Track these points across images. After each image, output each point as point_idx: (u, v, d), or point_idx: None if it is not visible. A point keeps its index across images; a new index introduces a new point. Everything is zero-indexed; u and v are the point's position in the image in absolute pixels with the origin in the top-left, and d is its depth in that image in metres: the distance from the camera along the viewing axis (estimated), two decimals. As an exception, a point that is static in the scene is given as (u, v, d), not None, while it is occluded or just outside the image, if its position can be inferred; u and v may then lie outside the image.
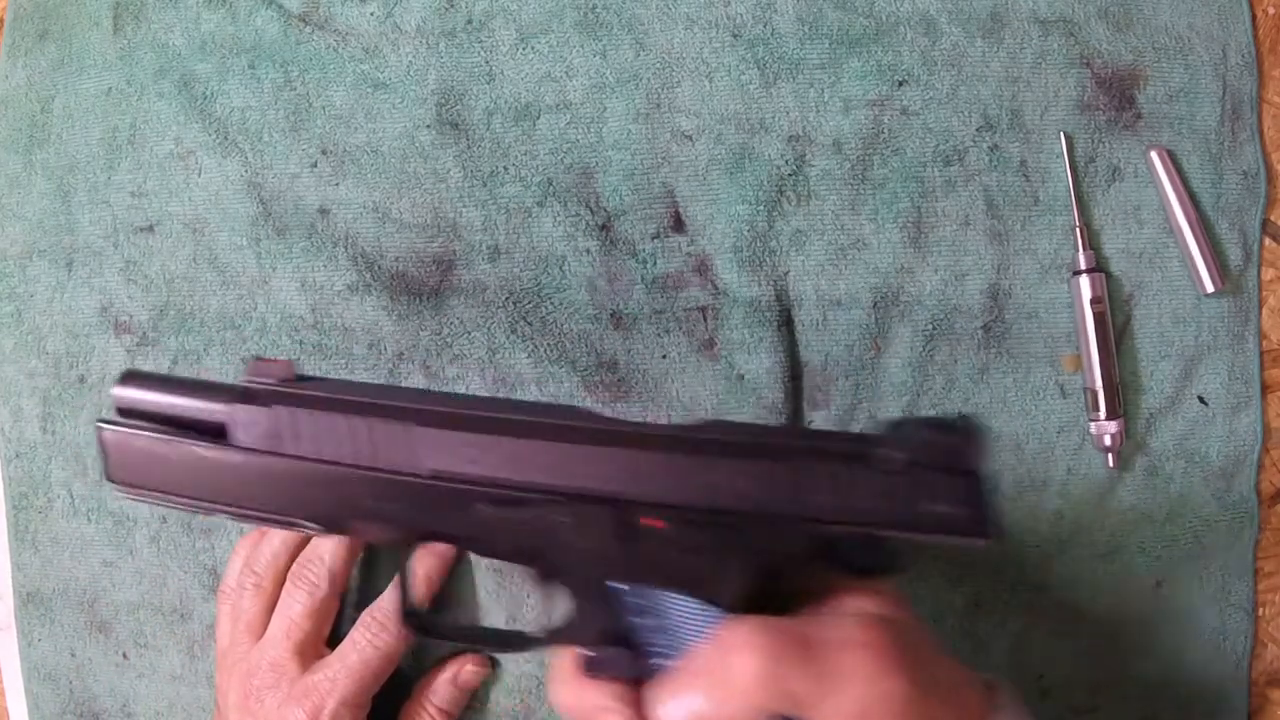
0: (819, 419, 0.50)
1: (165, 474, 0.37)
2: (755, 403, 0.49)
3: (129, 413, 0.38)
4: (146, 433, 0.37)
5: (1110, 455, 0.50)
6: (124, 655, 0.53)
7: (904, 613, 0.34)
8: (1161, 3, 0.50)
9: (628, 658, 0.34)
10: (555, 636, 0.36)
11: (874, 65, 0.49)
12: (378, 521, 0.36)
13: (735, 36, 0.50)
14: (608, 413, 0.37)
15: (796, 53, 0.49)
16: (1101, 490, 0.51)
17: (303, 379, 0.38)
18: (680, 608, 0.34)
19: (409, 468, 0.35)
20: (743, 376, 0.49)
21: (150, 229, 0.51)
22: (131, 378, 0.39)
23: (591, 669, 0.34)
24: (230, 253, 0.51)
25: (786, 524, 0.33)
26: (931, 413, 0.50)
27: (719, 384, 0.49)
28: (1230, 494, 0.51)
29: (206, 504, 0.37)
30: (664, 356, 0.50)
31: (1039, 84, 0.50)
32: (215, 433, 0.37)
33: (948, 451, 0.33)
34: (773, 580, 0.34)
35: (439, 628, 0.41)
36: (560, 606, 0.36)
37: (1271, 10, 0.51)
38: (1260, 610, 0.52)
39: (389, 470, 0.35)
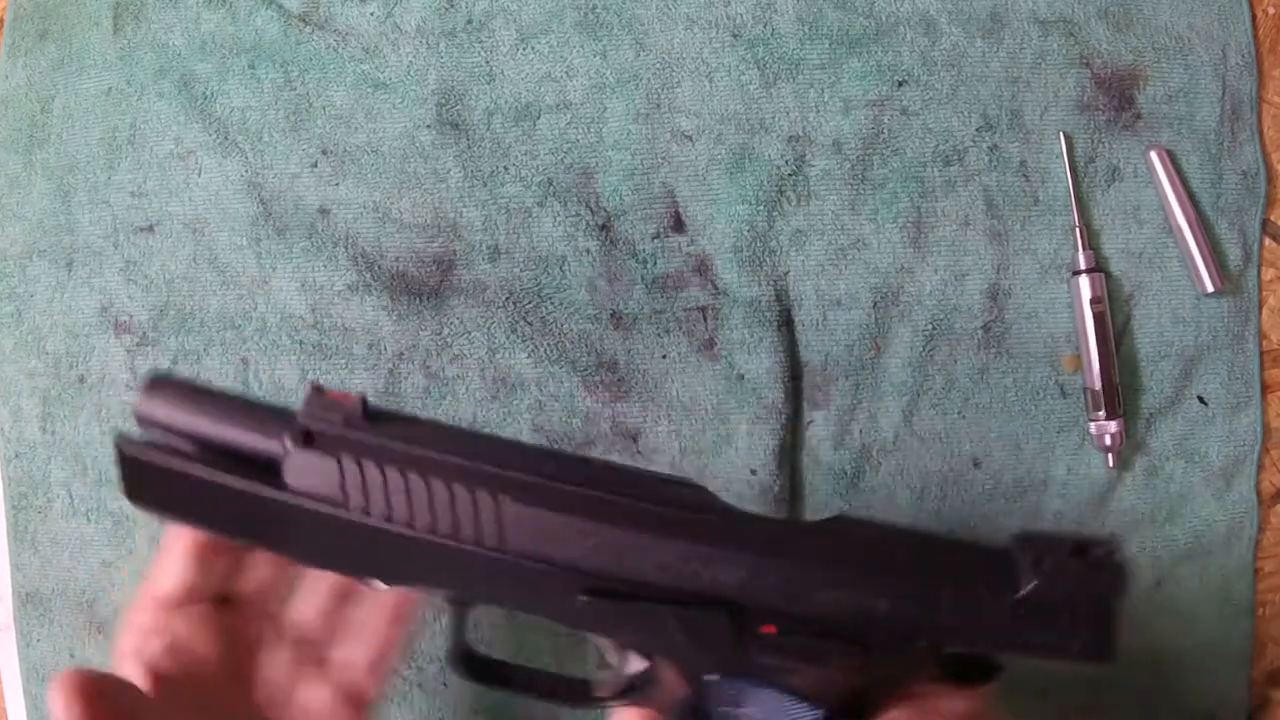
0: (819, 419, 0.50)
1: (199, 503, 0.32)
2: (755, 403, 0.49)
3: (153, 424, 0.33)
4: (178, 458, 0.32)
5: (1110, 455, 0.50)
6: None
7: (993, 714, 0.32)
8: (1161, 3, 0.50)
9: None
10: (628, 696, 0.33)
11: (874, 65, 0.49)
12: (449, 589, 0.32)
13: (735, 36, 0.50)
14: (721, 494, 0.33)
15: (796, 53, 0.49)
16: (1101, 490, 0.50)
17: (372, 416, 0.32)
18: (775, 702, 0.32)
19: (495, 544, 0.31)
20: (743, 376, 0.49)
21: (150, 229, 0.51)
22: (160, 387, 0.33)
23: None
24: (230, 253, 0.51)
25: (907, 641, 0.31)
26: (933, 409, 0.50)
27: (719, 384, 0.49)
28: (1230, 494, 0.51)
29: (245, 539, 0.33)
30: (664, 356, 0.50)
31: (1039, 84, 0.50)
32: (261, 465, 0.32)
33: (1088, 583, 0.31)
34: (877, 687, 0.31)
35: (493, 672, 0.35)
36: (635, 663, 0.33)
37: (1271, 10, 0.51)
38: (1260, 610, 0.52)
39: (471, 544, 0.31)
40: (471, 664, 0.34)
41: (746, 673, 0.31)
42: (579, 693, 0.34)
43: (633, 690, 0.33)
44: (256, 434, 0.32)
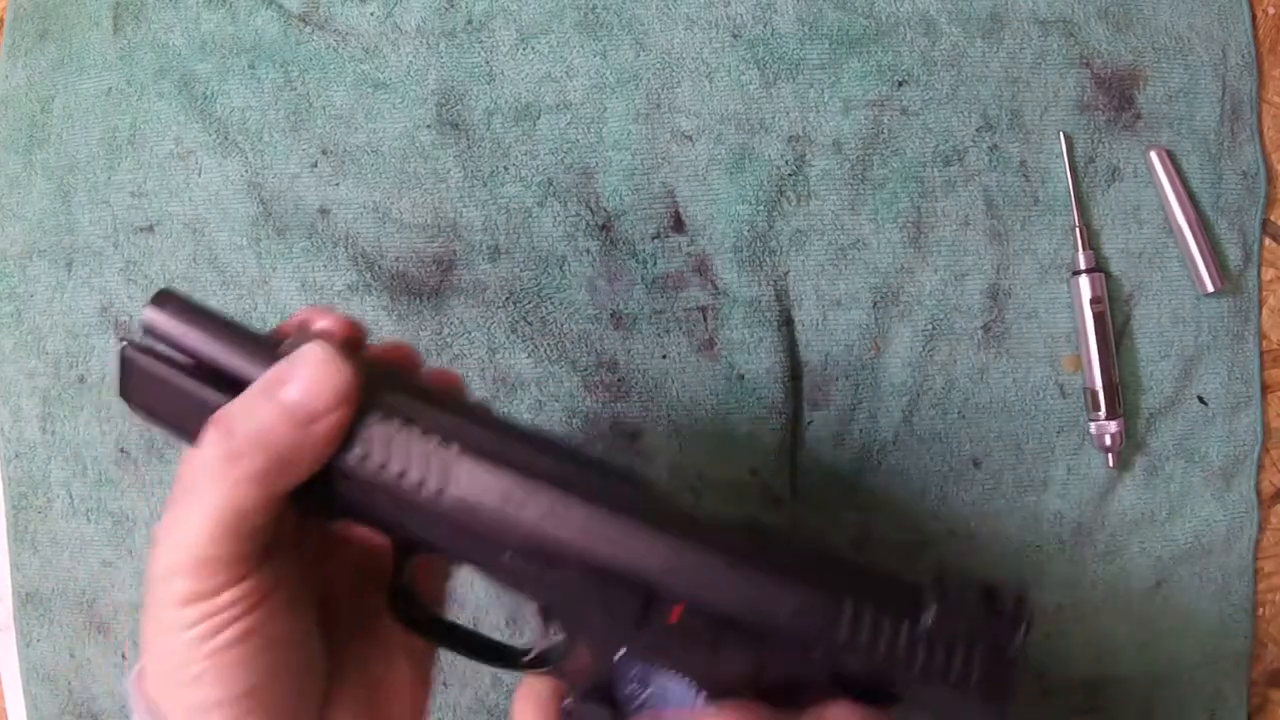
0: (819, 419, 0.50)
1: (184, 416, 0.33)
2: (755, 403, 0.49)
3: (158, 337, 0.34)
4: (182, 372, 0.33)
5: (1110, 455, 0.50)
6: (123, 656, 0.53)
7: None
8: (1161, 3, 0.50)
9: (607, 716, 0.34)
10: (543, 666, 0.35)
11: (874, 65, 0.49)
12: (389, 528, 0.34)
13: (735, 36, 0.50)
14: (757, 464, 0.34)
15: (796, 53, 0.49)
16: (1101, 490, 0.51)
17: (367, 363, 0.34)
18: (673, 684, 0.34)
19: (435, 489, 0.32)
20: (743, 376, 0.49)
21: (150, 229, 0.51)
22: (167, 299, 0.34)
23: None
24: (230, 253, 0.51)
25: (808, 651, 0.32)
26: (933, 409, 0.50)
27: (719, 384, 0.49)
28: (1230, 494, 0.51)
29: None
30: (664, 356, 0.50)
31: (1039, 84, 0.50)
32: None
33: (987, 625, 0.32)
34: (774, 689, 0.33)
35: (427, 623, 0.36)
36: (554, 637, 0.35)
37: (1271, 10, 0.51)
38: (1260, 610, 0.52)
39: (413, 487, 0.32)
40: (408, 609, 0.36)
41: (651, 654, 0.33)
42: (500, 655, 0.36)
43: (545, 661, 0.35)
44: (245, 359, 0.34)
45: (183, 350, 0.34)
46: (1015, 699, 0.32)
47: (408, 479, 0.32)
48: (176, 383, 0.34)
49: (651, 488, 0.34)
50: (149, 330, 0.34)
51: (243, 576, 0.30)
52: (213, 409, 0.32)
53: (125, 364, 0.34)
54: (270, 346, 0.34)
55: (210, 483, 0.30)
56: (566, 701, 0.34)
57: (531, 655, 0.35)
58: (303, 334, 0.34)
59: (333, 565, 0.38)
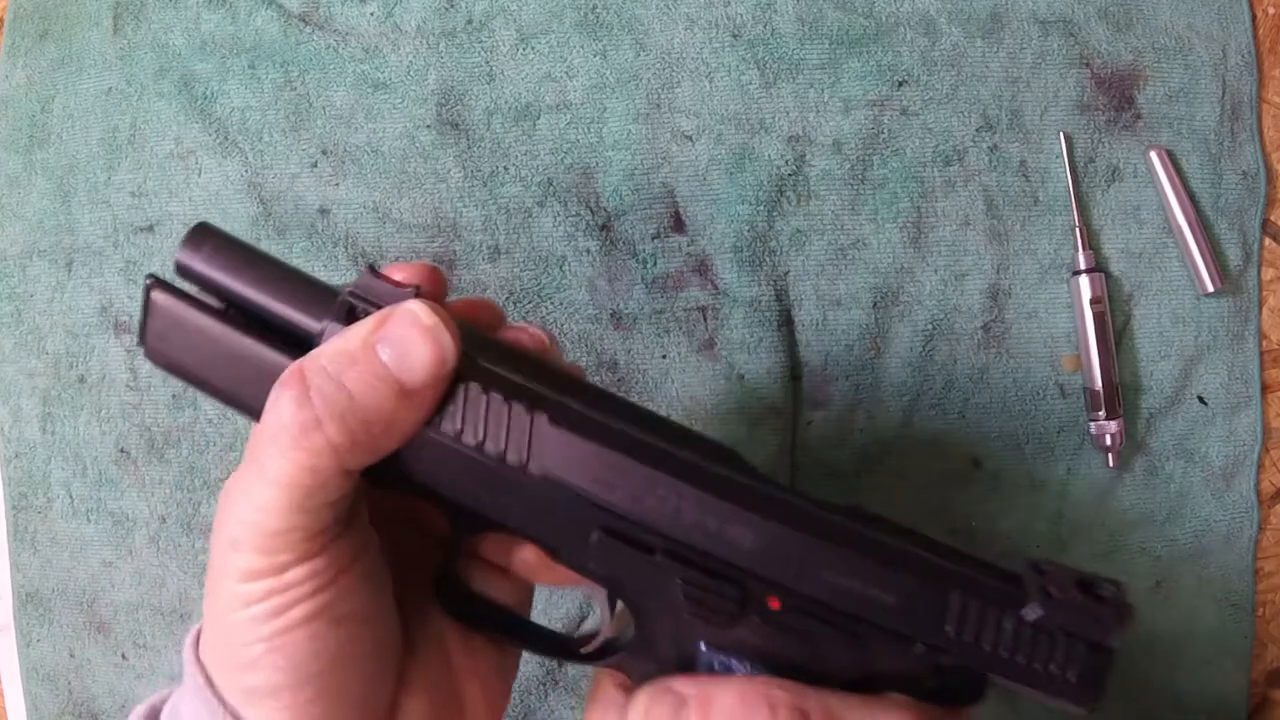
0: (819, 419, 0.50)
1: (219, 367, 0.30)
2: (755, 403, 0.49)
3: (191, 276, 0.31)
4: (212, 317, 0.30)
5: (1110, 455, 0.50)
6: (123, 656, 0.53)
7: None
8: (1161, 3, 0.50)
9: None
10: (609, 659, 0.32)
11: (874, 65, 0.49)
12: (460, 500, 0.30)
13: (735, 36, 0.50)
14: (757, 463, 0.32)
15: (796, 53, 0.49)
16: (1101, 490, 0.51)
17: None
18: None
19: (518, 461, 0.29)
20: (743, 376, 0.49)
21: (150, 229, 0.51)
22: (205, 236, 0.30)
23: None
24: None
25: (906, 642, 0.30)
26: (933, 409, 0.50)
27: (719, 384, 0.49)
28: (1230, 494, 0.51)
29: (257, 416, 0.30)
30: (664, 356, 0.50)
31: (1039, 84, 0.50)
32: (293, 340, 0.30)
33: (1093, 622, 0.30)
34: (866, 685, 0.31)
35: (479, 611, 0.33)
36: (621, 626, 0.33)
37: (1271, 10, 0.51)
38: (1260, 610, 0.52)
39: (496, 457, 0.29)
40: (458, 597, 0.33)
41: (737, 647, 0.31)
42: (557, 646, 0.33)
43: (608, 652, 0.32)
44: (296, 305, 0.30)
45: (222, 295, 0.30)
46: (1108, 694, 0.31)
47: (488, 449, 0.29)
48: (213, 332, 0.30)
49: (751, 467, 0.32)
50: (183, 272, 0.31)
51: (313, 554, 0.27)
52: (263, 364, 0.29)
53: (150, 308, 0.30)
54: (330, 295, 0.30)
55: (281, 452, 0.26)
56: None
57: (593, 646, 0.33)
58: (372, 281, 0.30)
59: (414, 535, 0.34)
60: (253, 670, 0.27)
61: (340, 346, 0.28)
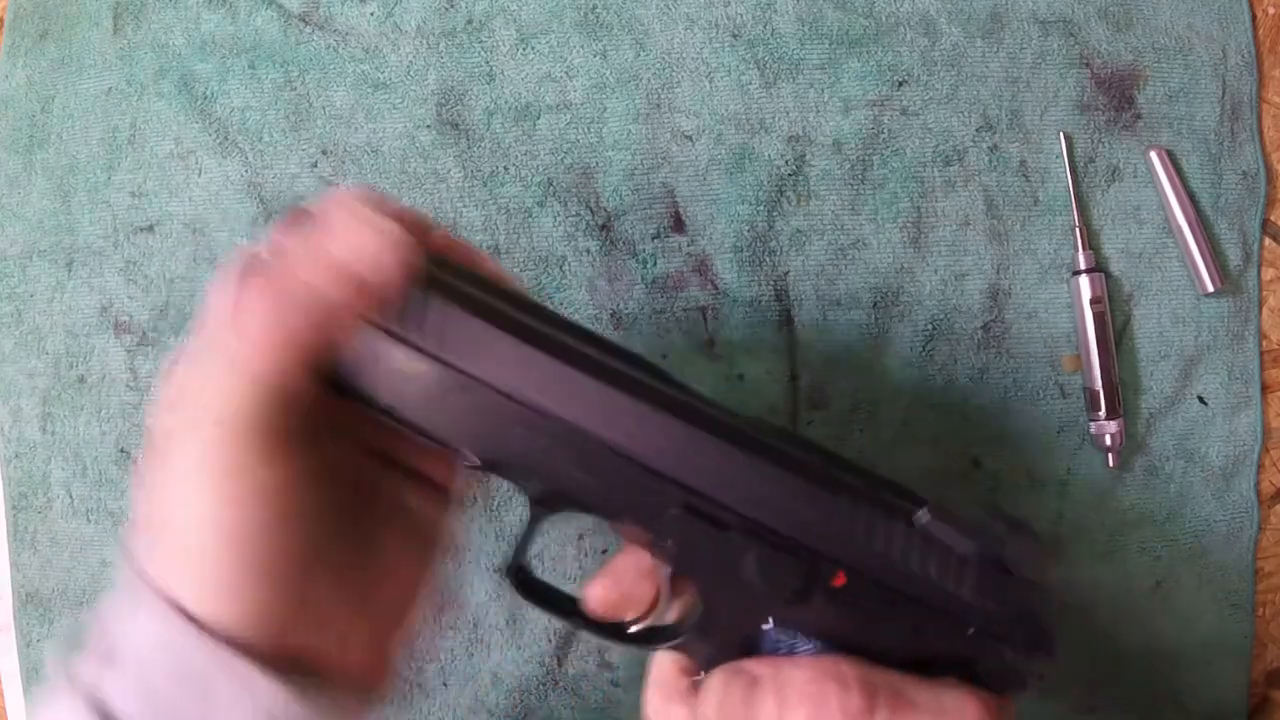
0: (819, 419, 0.50)
1: None
2: (755, 403, 0.49)
3: None
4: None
5: (1110, 455, 0.50)
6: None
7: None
8: (1161, 3, 0.50)
9: None
10: (669, 641, 0.33)
11: (874, 65, 0.49)
12: (542, 479, 0.31)
13: (735, 36, 0.50)
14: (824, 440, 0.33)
15: (796, 53, 0.49)
16: (1101, 490, 0.51)
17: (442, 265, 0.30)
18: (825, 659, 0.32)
19: (617, 439, 0.30)
20: (742, 376, 0.49)
21: (150, 229, 0.51)
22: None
23: None
24: (230, 253, 0.51)
25: (962, 629, 0.31)
26: (933, 409, 0.50)
27: (719, 384, 0.49)
28: (1230, 494, 0.51)
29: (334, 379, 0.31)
30: (664, 356, 0.50)
31: (1039, 84, 0.50)
32: None
33: (980, 532, 0.31)
34: (920, 664, 0.32)
35: (541, 592, 0.34)
36: (681, 608, 0.33)
37: (1271, 10, 0.51)
38: (1260, 610, 0.52)
39: (577, 425, 0.30)
40: (526, 580, 0.34)
41: (805, 623, 0.31)
42: (613, 631, 0.34)
43: (678, 639, 0.33)
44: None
45: None
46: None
47: (587, 419, 0.30)
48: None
49: (814, 445, 0.33)
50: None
51: (270, 450, 0.27)
52: None
53: None
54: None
55: (252, 344, 0.27)
56: (696, 679, 0.32)
57: (640, 627, 0.34)
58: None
59: (358, 454, 0.35)
60: (191, 553, 0.28)
61: (303, 248, 0.28)
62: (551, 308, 0.34)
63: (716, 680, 0.31)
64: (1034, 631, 0.32)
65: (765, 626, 0.31)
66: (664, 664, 0.33)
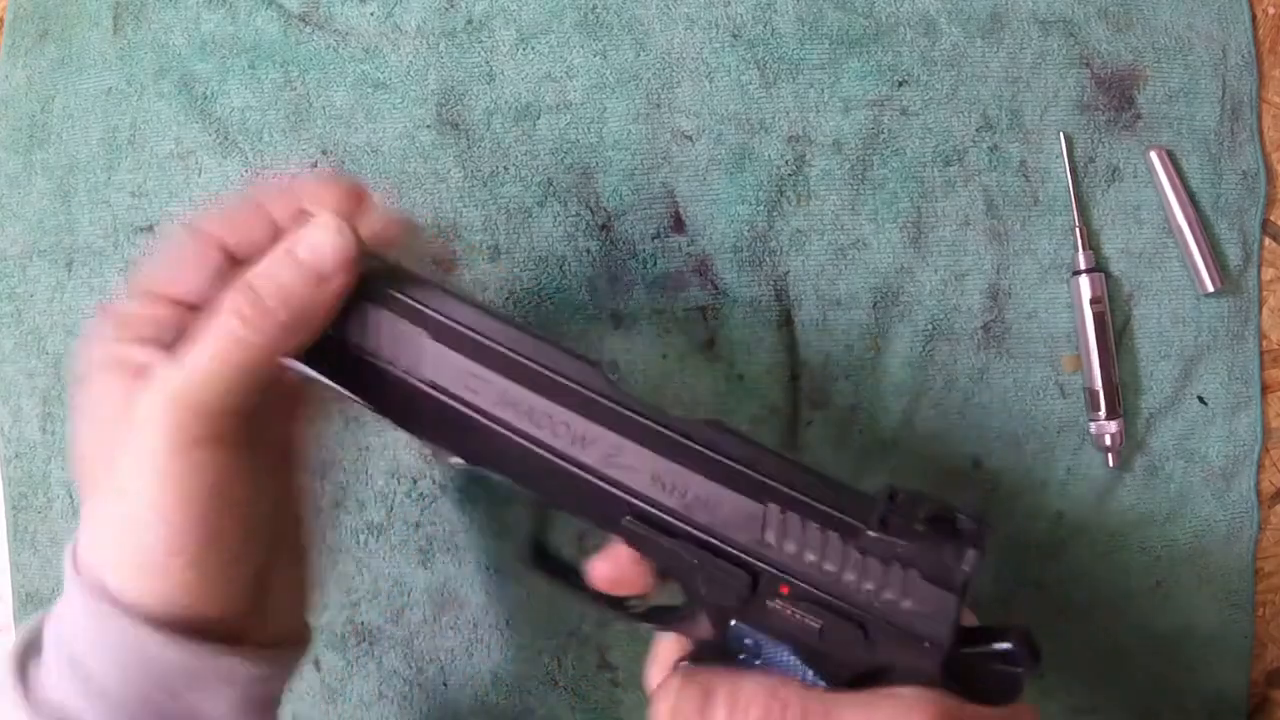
0: (819, 419, 0.50)
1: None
2: (755, 403, 0.49)
3: None
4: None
5: (1110, 455, 0.50)
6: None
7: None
8: (1161, 3, 0.50)
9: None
10: (661, 620, 0.35)
11: (874, 65, 0.49)
12: (522, 484, 0.34)
13: (735, 37, 0.50)
14: (756, 437, 0.34)
15: (796, 53, 0.49)
16: (1101, 490, 0.51)
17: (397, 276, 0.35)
18: (785, 656, 0.34)
19: (572, 456, 0.33)
20: (742, 376, 0.49)
21: (150, 229, 0.51)
22: None
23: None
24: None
25: (916, 640, 0.32)
26: (933, 409, 0.50)
27: (719, 384, 0.49)
28: (1230, 494, 0.51)
29: (331, 381, 0.35)
30: (664, 356, 0.50)
31: (1039, 84, 0.50)
32: None
33: (928, 551, 0.32)
34: (881, 673, 0.33)
35: (554, 567, 0.37)
36: (671, 592, 0.35)
37: (1271, 10, 0.51)
38: (1260, 610, 0.52)
39: (548, 449, 0.33)
40: (540, 555, 0.37)
41: (762, 627, 0.33)
42: (617, 604, 0.36)
43: (667, 619, 0.35)
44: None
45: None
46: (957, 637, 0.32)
47: (555, 441, 0.33)
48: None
49: (758, 447, 0.34)
50: None
51: (226, 434, 0.32)
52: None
53: None
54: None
55: (230, 332, 0.32)
56: (682, 661, 0.35)
57: (642, 608, 0.36)
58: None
59: (299, 429, 0.40)
60: (134, 525, 0.31)
61: (269, 259, 0.33)
62: (484, 300, 0.37)
63: (674, 685, 0.33)
64: (1019, 639, 0.33)
65: (732, 623, 0.34)
66: (666, 643, 0.36)
